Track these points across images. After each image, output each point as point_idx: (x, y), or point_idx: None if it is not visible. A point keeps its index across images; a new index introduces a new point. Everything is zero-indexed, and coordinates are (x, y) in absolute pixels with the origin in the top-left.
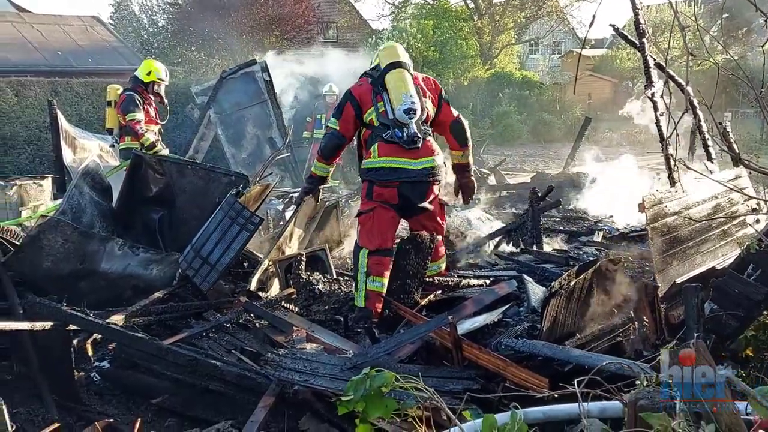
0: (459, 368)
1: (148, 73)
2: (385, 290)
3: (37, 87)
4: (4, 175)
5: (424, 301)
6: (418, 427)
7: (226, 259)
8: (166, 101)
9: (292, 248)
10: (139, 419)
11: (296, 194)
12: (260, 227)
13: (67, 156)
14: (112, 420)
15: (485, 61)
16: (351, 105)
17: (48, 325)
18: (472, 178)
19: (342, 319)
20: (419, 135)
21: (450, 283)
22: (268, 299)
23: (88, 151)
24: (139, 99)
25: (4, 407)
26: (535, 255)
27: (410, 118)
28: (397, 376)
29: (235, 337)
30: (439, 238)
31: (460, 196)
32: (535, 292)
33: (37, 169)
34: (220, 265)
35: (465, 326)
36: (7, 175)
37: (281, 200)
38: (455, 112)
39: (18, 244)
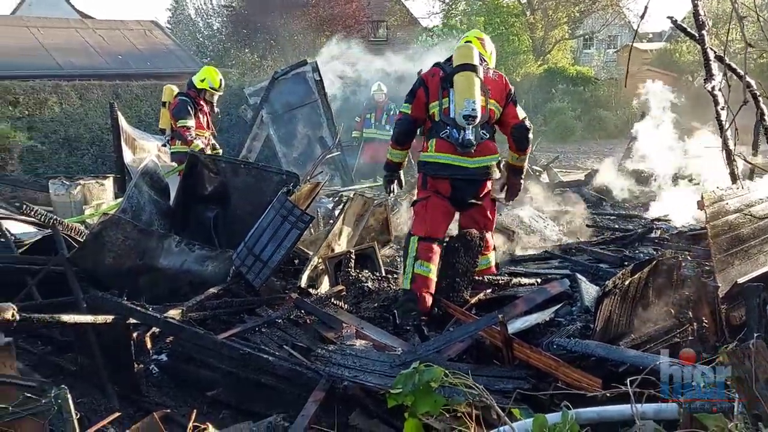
0: (509, 368)
1: (202, 80)
2: (432, 276)
3: (99, 90)
4: (69, 175)
5: (473, 300)
6: (469, 424)
7: (278, 256)
8: (217, 110)
9: (341, 246)
10: (195, 410)
11: (345, 192)
12: (311, 225)
13: (127, 156)
14: (169, 410)
15: (538, 57)
16: (423, 90)
17: (109, 318)
18: (521, 181)
19: (391, 316)
20: (473, 141)
21: (500, 281)
22: (318, 296)
23: (146, 151)
24: (192, 105)
25: (69, 396)
26: (589, 254)
27: (468, 124)
28: (446, 371)
29: (287, 332)
30: (489, 233)
31: (503, 193)
32: (589, 291)
33: (99, 169)
34: (271, 262)
35: (516, 325)
36: (72, 174)
37: (331, 199)
38: (521, 115)
39: (81, 241)
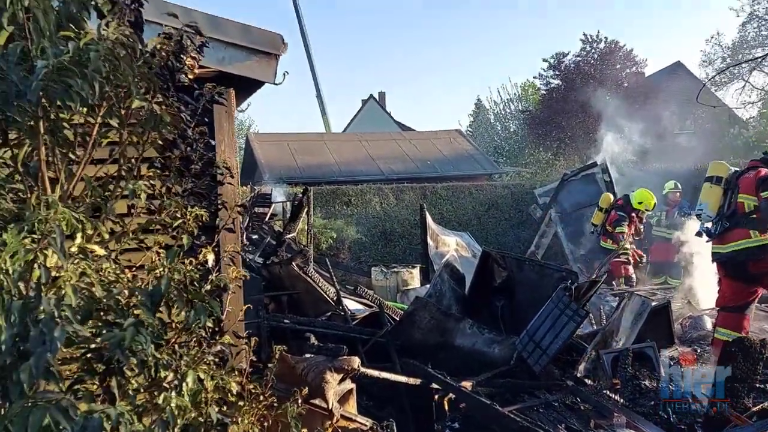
0: None
1: (639, 203)
2: (726, 339)
3: (411, 191)
4: (386, 263)
5: (756, 408)
6: None
7: (555, 345)
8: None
9: (619, 343)
10: None
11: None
12: (593, 320)
13: (431, 249)
14: None
15: None
16: None
17: (418, 381)
18: None
19: (665, 414)
20: (704, 234)
21: None
22: (593, 386)
23: (446, 245)
24: (626, 219)
25: (394, 425)
26: None
27: (702, 220)
28: None
29: (562, 414)
30: None
31: None
32: None
33: (407, 259)
34: (550, 350)
35: None
36: (387, 263)
37: (617, 298)
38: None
39: (397, 319)
